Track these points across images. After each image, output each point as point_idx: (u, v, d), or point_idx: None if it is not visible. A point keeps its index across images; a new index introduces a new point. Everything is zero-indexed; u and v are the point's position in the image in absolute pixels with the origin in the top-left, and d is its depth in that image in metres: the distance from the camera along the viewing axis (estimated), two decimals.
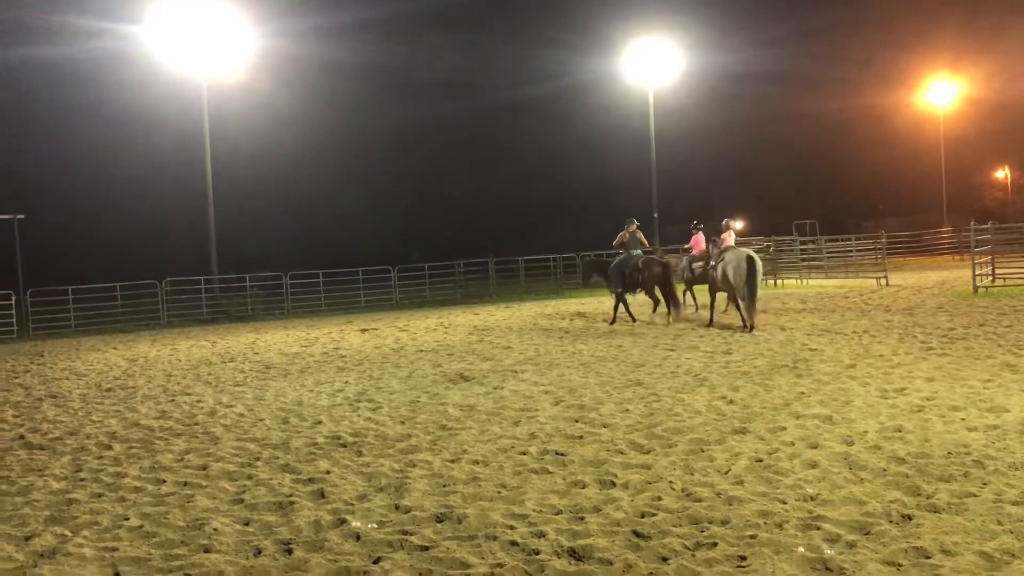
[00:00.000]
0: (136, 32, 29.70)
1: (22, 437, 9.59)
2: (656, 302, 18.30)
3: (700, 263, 18.59)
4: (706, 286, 17.71)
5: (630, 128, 47.06)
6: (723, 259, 16.22)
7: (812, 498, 5.87)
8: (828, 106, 71.20)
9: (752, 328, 15.38)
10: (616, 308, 18.71)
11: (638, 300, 19.03)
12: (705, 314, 17.75)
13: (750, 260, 15.65)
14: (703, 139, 67.56)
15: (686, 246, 19.97)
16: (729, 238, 18.14)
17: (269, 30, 32.78)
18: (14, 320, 25.81)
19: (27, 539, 5.94)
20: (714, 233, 19.18)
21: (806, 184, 72.26)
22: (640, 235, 18.48)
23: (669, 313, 17.87)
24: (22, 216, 30.17)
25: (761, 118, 74.95)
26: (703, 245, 19.59)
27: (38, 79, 54.49)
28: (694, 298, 19.87)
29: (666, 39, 39.58)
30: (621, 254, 18.58)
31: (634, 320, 18.24)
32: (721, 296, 17.76)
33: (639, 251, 18.26)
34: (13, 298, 26.06)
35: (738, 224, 16.98)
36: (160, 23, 28.71)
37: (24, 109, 59.87)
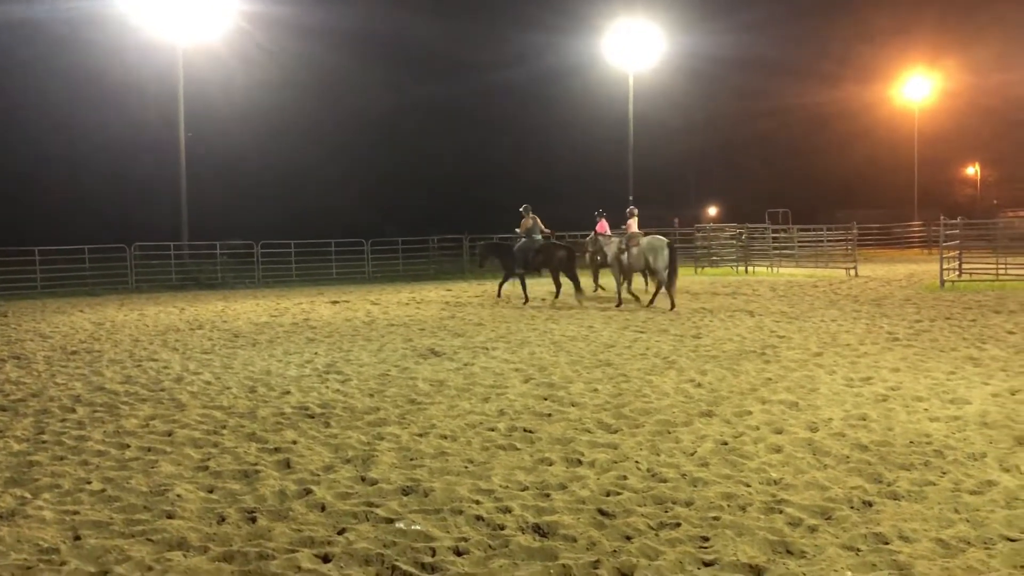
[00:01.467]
0: None
1: None
2: (559, 285, 19.18)
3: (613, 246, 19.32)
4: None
5: (609, 110, 47.02)
6: (639, 244, 17.72)
7: (776, 482, 5.94)
8: (807, 95, 71.51)
9: (673, 306, 16.93)
10: (523, 286, 19.55)
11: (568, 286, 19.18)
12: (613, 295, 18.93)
13: (671, 246, 17.37)
14: (681, 123, 67.71)
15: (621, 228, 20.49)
16: (633, 225, 18.91)
17: None
18: None
19: None
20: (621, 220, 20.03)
21: (781, 173, 72.71)
22: (539, 222, 19.47)
23: (557, 294, 19.00)
24: None
25: (739, 105, 75.20)
26: (607, 230, 20.47)
27: (9, 38, 53.31)
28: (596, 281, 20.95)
29: (648, 21, 39.53)
30: (522, 238, 19.49)
31: (527, 300, 19.08)
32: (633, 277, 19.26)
33: (539, 236, 19.30)
34: None
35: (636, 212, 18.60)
36: None
37: None
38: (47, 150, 59.54)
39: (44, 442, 7.46)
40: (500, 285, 20.40)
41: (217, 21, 29.88)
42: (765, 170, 74.35)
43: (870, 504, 5.48)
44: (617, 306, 17.67)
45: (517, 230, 19.84)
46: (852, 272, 25.37)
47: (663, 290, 17.38)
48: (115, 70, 49.70)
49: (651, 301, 17.84)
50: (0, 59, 57.15)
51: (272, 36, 47.06)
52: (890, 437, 6.98)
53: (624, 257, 18.02)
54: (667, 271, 17.08)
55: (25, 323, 17.42)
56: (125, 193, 56.70)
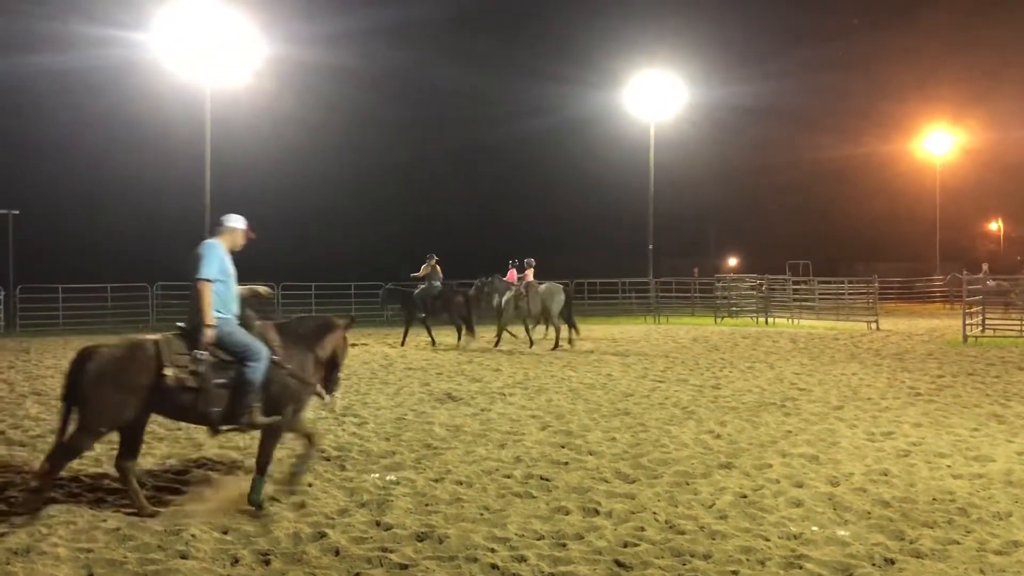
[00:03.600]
0: (142, 39, 29.80)
1: (3, 433, 9.49)
2: (459, 329, 20.18)
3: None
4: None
5: (630, 160, 47.31)
6: (539, 292, 19.69)
7: (795, 537, 5.85)
8: (828, 148, 71.63)
9: (572, 342, 19.43)
10: (406, 331, 20.99)
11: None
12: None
13: (566, 292, 19.70)
14: (702, 174, 67.92)
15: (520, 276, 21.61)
16: (530, 275, 20.52)
17: (275, 37, 32.93)
18: (2, 315, 25.68)
19: (1, 536, 5.87)
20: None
21: (802, 225, 72.58)
22: (439, 269, 20.71)
23: (459, 338, 20.08)
24: (17, 212, 30.10)
25: (760, 157, 75.46)
26: (515, 278, 21.61)
27: (45, 84, 54.57)
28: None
29: (669, 72, 39.89)
30: (422, 285, 20.64)
31: (434, 343, 20.00)
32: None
33: (438, 282, 20.48)
34: (2, 294, 25.95)
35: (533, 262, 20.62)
36: (166, 30, 28.80)
37: (29, 112, 59.91)
38: (74, 190, 60.54)
39: (61, 479, 7.45)
40: (404, 331, 21.21)
41: (244, 65, 30.43)
42: (786, 222, 74.30)
43: (892, 562, 5.38)
44: (495, 346, 19.53)
45: (413, 275, 21.13)
46: (873, 325, 25.17)
47: (563, 330, 19.62)
48: (144, 113, 50.66)
49: (555, 346, 19.32)
50: (35, 104, 58.50)
51: (297, 79, 47.91)
52: (912, 493, 6.87)
53: (522, 303, 19.77)
54: (565, 314, 19.41)
55: (46, 359, 17.54)
56: (150, 232, 57.38)
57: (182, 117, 36.10)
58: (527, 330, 20.39)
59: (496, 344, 19.68)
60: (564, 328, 19.86)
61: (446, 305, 20.11)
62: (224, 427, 6.68)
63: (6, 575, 5.14)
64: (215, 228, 7.05)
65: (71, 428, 6.38)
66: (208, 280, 6.58)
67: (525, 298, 19.71)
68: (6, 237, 29.95)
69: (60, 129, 61.23)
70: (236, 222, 7.02)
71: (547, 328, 20.90)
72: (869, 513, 6.37)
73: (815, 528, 6.02)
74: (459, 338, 20.05)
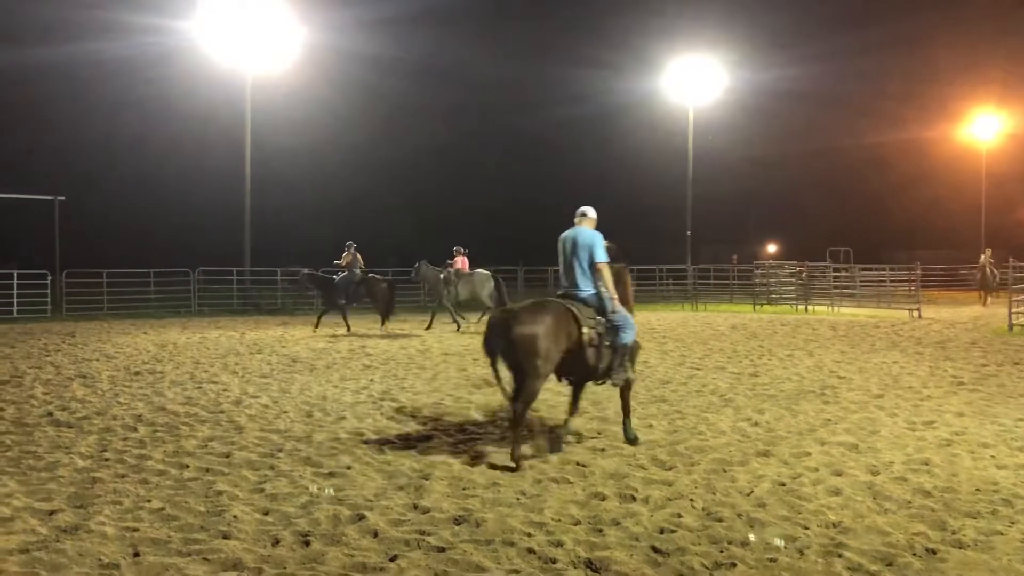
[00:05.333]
0: (185, 27, 30.12)
1: (51, 414, 9.73)
2: (383, 315, 20.73)
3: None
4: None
5: (668, 146, 46.96)
6: (471, 281, 20.55)
7: (835, 525, 5.80)
8: (870, 133, 70.47)
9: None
10: (344, 317, 21.01)
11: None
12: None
13: (496, 279, 20.29)
14: (741, 159, 67.22)
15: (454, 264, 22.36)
16: (459, 262, 21.47)
17: (314, 24, 33.07)
18: (48, 300, 26.23)
19: (51, 514, 6.02)
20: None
21: (843, 211, 71.60)
22: (359, 258, 21.24)
23: (383, 325, 20.67)
24: (63, 198, 30.66)
25: (800, 141, 74.45)
26: (467, 266, 22.49)
27: (89, 73, 55.45)
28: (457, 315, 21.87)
29: (708, 56, 39.47)
30: (343, 272, 21.15)
31: (349, 329, 20.45)
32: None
33: (358, 270, 21.00)
34: (49, 278, 26.48)
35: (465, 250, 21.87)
36: (208, 17, 29.07)
37: (74, 100, 60.97)
38: (118, 177, 61.50)
39: (107, 460, 7.63)
40: (319, 316, 21.33)
41: (283, 52, 30.64)
42: (826, 208, 73.33)
43: (934, 552, 5.32)
44: (427, 328, 20.86)
45: (336, 262, 21.72)
46: (915, 313, 24.80)
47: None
48: (186, 101, 51.27)
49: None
50: (80, 92, 59.46)
51: (335, 67, 48.13)
52: (955, 483, 6.78)
53: (451, 289, 20.78)
54: (493, 300, 20.05)
55: (92, 343, 17.90)
56: (191, 218, 58.17)
57: (223, 104, 36.52)
58: (453, 315, 21.36)
59: (428, 327, 21.04)
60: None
61: (369, 292, 20.83)
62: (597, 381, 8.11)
63: (56, 552, 5.28)
64: (577, 218, 8.31)
65: (508, 378, 7.59)
66: (606, 262, 7.92)
67: (454, 284, 20.78)
68: (52, 223, 30.51)
69: (104, 117, 62.23)
70: (593, 212, 8.37)
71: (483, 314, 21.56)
72: (910, 502, 6.30)
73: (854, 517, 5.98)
74: (383, 322, 20.69)
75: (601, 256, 7.88)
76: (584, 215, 8.30)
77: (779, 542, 5.44)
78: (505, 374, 7.60)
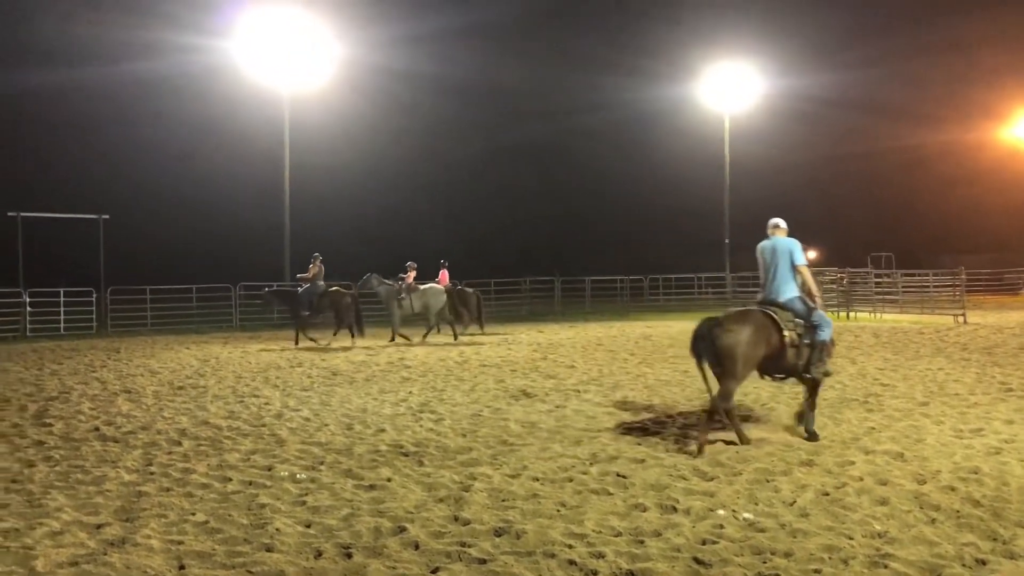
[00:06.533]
0: (224, 45, 30.63)
1: (97, 429, 9.90)
2: (350, 327, 21.05)
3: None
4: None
5: (703, 152, 46.70)
6: (424, 295, 21.23)
7: (880, 535, 5.71)
8: (910, 136, 69.30)
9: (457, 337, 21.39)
10: (300, 331, 21.26)
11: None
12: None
13: (448, 293, 21.63)
14: (779, 165, 66.55)
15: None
16: (411, 277, 21.73)
17: (349, 41, 33.43)
18: (94, 316, 26.72)
19: (99, 527, 6.13)
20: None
21: (883, 216, 70.49)
22: (323, 270, 21.39)
23: (354, 336, 20.99)
24: (107, 216, 31.21)
25: (838, 146, 73.51)
26: (447, 280, 23.67)
27: (131, 92, 56.58)
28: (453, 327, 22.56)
29: (744, 63, 39.22)
30: (305, 285, 21.24)
31: (297, 343, 20.77)
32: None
33: (322, 283, 21.20)
34: (94, 295, 26.99)
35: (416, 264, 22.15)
36: (247, 36, 29.53)
37: (116, 119, 62.18)
38: (160, 194, 62.55)
39: (152, 473, 7.75)
40: (298, 331, 21.43)
41: (320, 68, 31.01)
42: (866, 213, 72.23)
43: (984, 563, 5.21)
44: (391, 340, 21.11)
45: (300, 275, 21.82)
46: (960, 319, 24.35)
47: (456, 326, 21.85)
48: (226, 118, 52.05)
49: (424, 336, 21.35)
50: (122, 111, 60.68)
51: (370, 82, 48.57)
52: (1005, 492, 6.63)
53: (404, 303, 21.26)
54: (440, 315, 21.43)
55: (136, 359, 18.20)
56: (232, 234, 58.96)
57: (262, 121, 36.99)
58: (394, 329, 21.64)
59: (392, 339, 21.30)
60: (479, 324, 22.84)
61: (333, 304, 21.04)
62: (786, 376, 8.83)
63: (104, 565, 5.37)
64: (770, 229, 8.94)
65: (712, 378, 8.45)
66: (806, 264, 8.73)
67: (408, 298, 21.28)
68: (97, 241, 31.08)
69: (147, 135, 63.35)
70: (784, 223, 8.95)
71: (436, 327, 22.26)
72: (958, 512, 6.18)
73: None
74: (353, 336, 21.01)
75: (800, 259, 8.67)
76: (777, 226, 8.98)
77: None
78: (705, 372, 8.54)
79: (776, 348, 8.38)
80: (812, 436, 8.62)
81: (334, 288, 21.43)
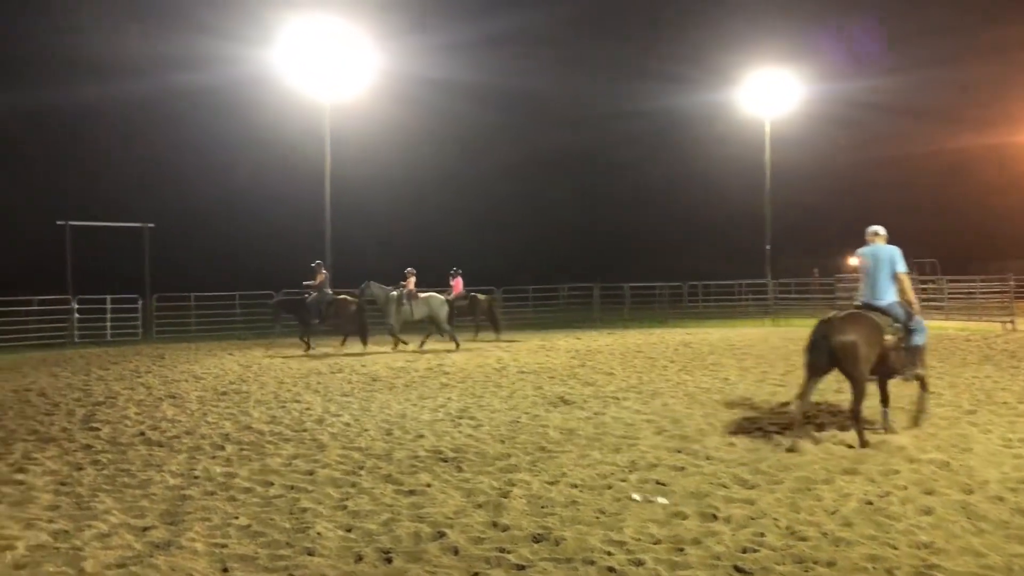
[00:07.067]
0: (265, 56, 31.03)
1: (143, 434, 10.08)
2: (359, 335, 21.65)
3: (462, 302, 24.26)
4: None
5: (743, 158, 46.29)
6: (427, 303, 21.29)
7: (926, 546, 5.62)
8: (954, 140, 68.13)
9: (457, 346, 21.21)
10: (305, 338, 21.58)
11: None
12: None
13: (448, 303, 22.00)
14: (820, 170, 65.76)
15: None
16: (411, 283, 21.67)
17: (390, 50, 33.70)
18: (139, 323, 27.21)
19: (145, 530, 6.24)
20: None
21: (927, 221, 69.28)
22: (327, 279, 22.06)
23: (364, 343, 21.51)
24: (152, 225, 31.75)
25: (882, 151, 72.44)
26: (461, 288, 24.48)
27: (175, 103, 57.68)
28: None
29: (784, 67, 38.84)
30: (312, 293, 21.68)
31: (308, 349, 21.12)
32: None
33: (329, 291, 21.74)
34: (140, 302, 27.48)
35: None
36: (288, 46, 29.90)
37: (161, 130, 63.39)
38: (205, 203, 63.56)
39: (196, 477, 7.88)
40: (303, 338, 21.64)
41: (359, 78, 31.29)
42: (910, 219, 70.98)
43: None
44: (394, 348, 20.98)
45: (306, 283, 22.00)
46: (1009, 325, 23.86)
47: (447, 335, 21.67)
48: (268, 128, 52.74)
49: (421, 344, 21.49)
50: (167, 122, 61.83)
51: (410, 91, 48.91)
52: None
53: (405, 310, 21.21)
54: (447, 321, 21.57)
55: (180, 364, 18.49)
56: (274, 242, 59.68)
57: (303, 130, 37.40)
58: (395, 336, 21.53)
59: (395, 347, 21.16)
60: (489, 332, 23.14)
61: (339, 312, 21.47)
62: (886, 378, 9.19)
63: (150, 567, 5.47)
64: (870, 236, 9.39)
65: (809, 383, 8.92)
66: (906, 272, 9.15)
67: (408, 305, 21.27)
68: (143, 249, 31.64)
69: (190, 145, 64.44)
70: (884, 230, 9.40)
71: (443, 334, 22.00)
72: (1007, 523, 6.06)
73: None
74: (364, 343, 21.48)
75: (901, 267, 9.08)
76: (876, 233, 9.42)
77: None
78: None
79: (884, 349, 8.76)
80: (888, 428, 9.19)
81: (341, 296, 21.84)
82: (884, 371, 9.08)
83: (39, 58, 61.33)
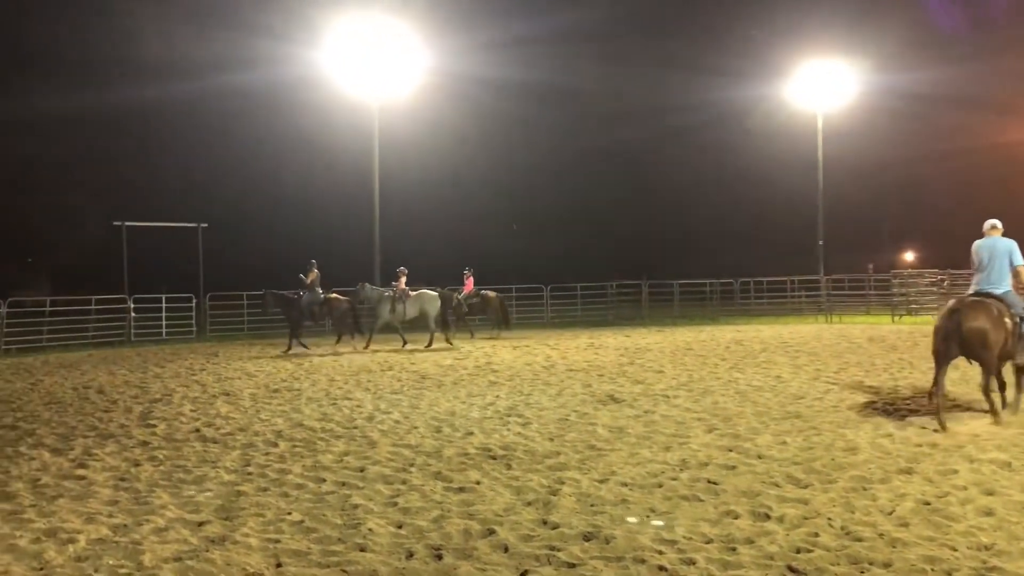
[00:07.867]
0: (316, 56, 31.39)
1: (198, 431, 10.27)
2: (354, 334, 22.13)
3: (474, 300, 25.16)
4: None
5: (795, 152, 45.62)
6: (419, 300, 21.62)
7: (987, 547, 5.48)
8: (1012, 131, 66.36)
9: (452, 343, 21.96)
10: (295, 337, 21.65)
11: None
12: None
13: (442, 297, 22.33)
14: (874, 164, 64.51)
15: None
16: (402, 282, 21.87)
17: (437, 49, 33.83)
18: (194, 321, 27.72)
19: (200, 525, 6.36)
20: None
21: (985, 215, 67.54)
22: (318, 275, 21.89)
23: (366, 341, 21.76)
24: (206, 225, 32.36)
25: (938, 144, 70.78)
26: (472, 286, 25.26)
27: (227, 104, 58.71)
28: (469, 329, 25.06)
29: (837, 59, 38.16)
30: (304, 292, 21.71)
31: (289, 349, 21.23)
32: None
33: (320, 290, 21.74)
34: (194, 301, 28.00)
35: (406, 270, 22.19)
36: (338, 46, 30.20)
37: (214, 131, 64.54)
38: (256, 203, 64.57)
39: (250, 474, 8.00)
40: (292, 337, 21.67)
41: (408, 77, 31.49)
42: (967, 213, 69.32)
43: None
44: (364, 348, 21.25)
45: (302, 276, 22.00)
46: None
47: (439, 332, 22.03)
48: (317, 127, 53.37)
49: (428, 344, 21.40)
50: (219, 122, 62.90)
51: (457, 89, 49.10)
52: None
53: (399, 309, 21.51)
54: (441, 318, 22.06)
55: (234, 362, 18.80)
56: (322, 241, 60.41)
57: (352, 130, 37.75)
58: (400, 333, 22.04)
59: (366, 346, 21.41)
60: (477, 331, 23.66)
61: (331, 311, 21.70)
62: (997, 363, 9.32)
63: (206, 562, 5.56)
64: (987, 229, 9.80)
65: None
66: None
67: (402, 304, 21.58)
68: (197, 248, 32.26)
69: (242, 146, 65.53)
70: (1000, 223, 9.84)
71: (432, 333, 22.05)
72: None
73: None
74: (366, 342, 21.63)
75: (1019, 260, 9.51)
76: (994, 226, 9.82)
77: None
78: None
79: (1006, 334, 9.10)
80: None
81: (332, 295, 22.06)
82: (1001, 356, 9.30)
83: (95, 61, 62.92)
